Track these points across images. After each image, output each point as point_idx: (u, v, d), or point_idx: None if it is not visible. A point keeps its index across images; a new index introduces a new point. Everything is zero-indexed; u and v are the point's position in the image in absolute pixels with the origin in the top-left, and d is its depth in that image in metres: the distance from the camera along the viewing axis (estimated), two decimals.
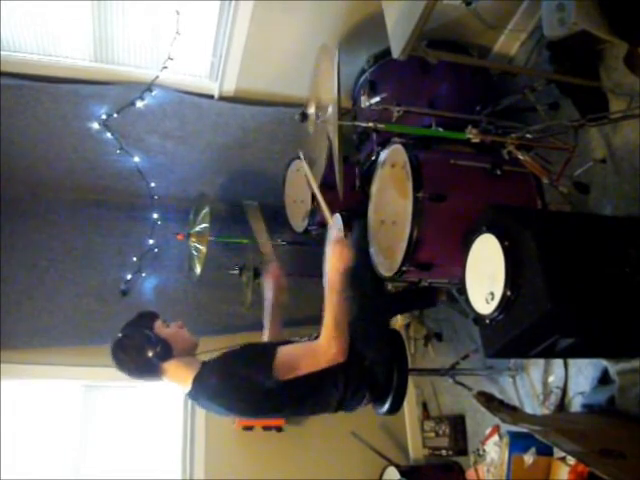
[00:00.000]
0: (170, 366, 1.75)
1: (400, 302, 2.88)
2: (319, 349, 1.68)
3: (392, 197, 2.12)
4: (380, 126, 2.00)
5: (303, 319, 2.94)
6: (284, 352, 1.71)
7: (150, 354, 1.70)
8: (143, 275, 3.14)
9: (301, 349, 1.75)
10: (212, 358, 1.79)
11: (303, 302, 3.11)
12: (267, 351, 1.73)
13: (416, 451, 3.36)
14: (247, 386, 1.67)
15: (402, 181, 1.99)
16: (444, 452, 3.08)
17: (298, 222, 2.89)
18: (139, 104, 2.85)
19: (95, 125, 2.88)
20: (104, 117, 2.87)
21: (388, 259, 2.01)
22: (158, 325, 1.79)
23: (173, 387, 1.79)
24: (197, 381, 1.72)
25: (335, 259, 1.73)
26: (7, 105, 2.72)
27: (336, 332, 1.68)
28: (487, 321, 1.53)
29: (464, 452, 2.98)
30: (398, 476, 2.95)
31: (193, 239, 2.96)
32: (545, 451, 2.01)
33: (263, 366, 1.67)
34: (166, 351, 1.73)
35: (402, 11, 1.90)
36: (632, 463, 1.45)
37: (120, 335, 1.77)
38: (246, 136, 3.09)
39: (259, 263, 2.82)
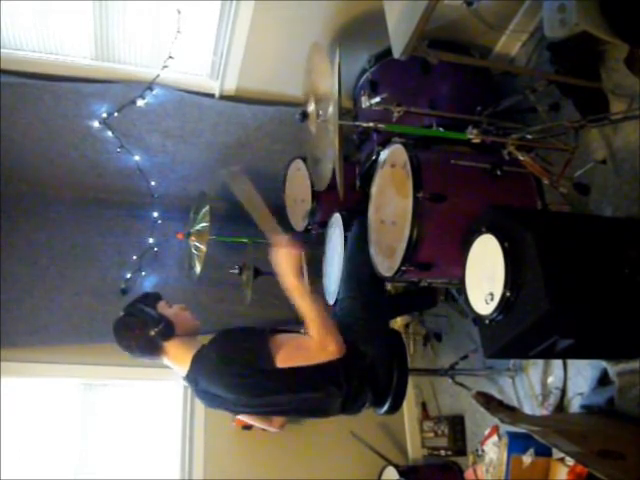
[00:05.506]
0: (172, 345, 1.74)
1: (401, 303, 2.88)
2: (313, 345, 1.68)
3: (392, 197, 2.12)
4: (381, 126, 2.00)
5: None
6: (278, 338, 1.72)
7: (153, 332, 1.70)
8: (143, 274, 3.14)
9: (296, 341, 1.75)
10: (211, 337, 1.78)
11: None
12: (262, 334, 1.74)
13: (415, 451, 3.36)
14: (246, 361, 1.67)
15: (402, 181, 1.99)
16: (443, 452, 3.07)
17: (298, 221, 2.89)
18: (140, 103, 2.85)
19: (96, 124, 2.88)
20: (105, 115, 2.87)
21: (388, 259, 2.01)
22: (161, 305, 1.79)
23: (172, 369, 1.79)
24: (196, 358, 1.72)
25: (283, 264, 1.72)
26: (8, 103, 2.72)
27: (323, 329, 1.68)
28: (486, 321, 1.53)
29: (463, 452, 2.98)
30: (397, 476, 2.95)
31: (193, 238, 2.97)
32: (544, 452, 2.01)
33: (259, 347, 1.67)
34: (169, 330, 1.72)
35: (403, 11, 1.90)
36: (631, 464, 1.46)
37: (123, 313, 1.77)
38: (247, 135, 3.09)
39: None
